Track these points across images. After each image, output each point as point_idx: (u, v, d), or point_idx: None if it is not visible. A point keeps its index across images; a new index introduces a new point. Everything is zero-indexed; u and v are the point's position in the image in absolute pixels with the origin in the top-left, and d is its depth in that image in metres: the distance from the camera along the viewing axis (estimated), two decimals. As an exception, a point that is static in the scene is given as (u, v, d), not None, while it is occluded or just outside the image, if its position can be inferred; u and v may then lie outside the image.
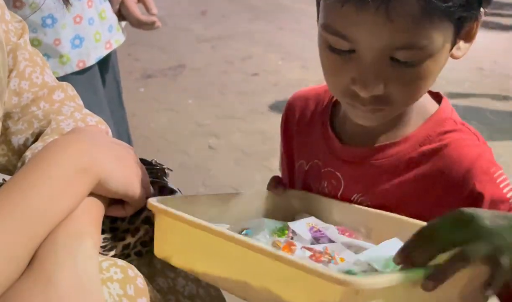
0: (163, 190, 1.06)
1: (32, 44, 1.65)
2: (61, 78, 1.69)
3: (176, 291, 1.00)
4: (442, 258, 0.84)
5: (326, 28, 0.91)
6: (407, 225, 0.94)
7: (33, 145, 1.00)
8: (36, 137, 1.03)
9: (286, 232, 0.99)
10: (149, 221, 0.97)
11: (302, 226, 1.00)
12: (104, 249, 0.93)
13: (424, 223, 0.92)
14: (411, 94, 0.94)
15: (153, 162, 1.12)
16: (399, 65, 0.90)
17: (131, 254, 0.98)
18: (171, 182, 1.10)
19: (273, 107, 3.94)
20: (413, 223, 0.94)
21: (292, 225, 1.00)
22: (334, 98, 1.09)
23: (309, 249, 0.92)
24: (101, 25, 1.76)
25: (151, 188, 1.02)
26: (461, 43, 0.95)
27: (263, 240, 0.96)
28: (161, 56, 4.91)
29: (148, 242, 0.99)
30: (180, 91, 4.26)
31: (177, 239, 0.93)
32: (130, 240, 0.95)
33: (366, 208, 1.01)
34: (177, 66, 4.73)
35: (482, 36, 1.01)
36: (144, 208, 0.98)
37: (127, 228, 0.97)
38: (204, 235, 0.87)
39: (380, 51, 0.89)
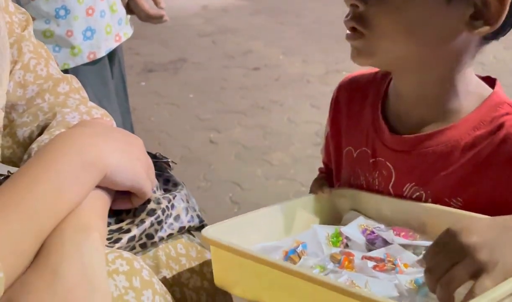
0: (167, 183, 1.07)
1: (44, 36, 1.66)
2: (72, 70, 1.71)
3: (180, 283, 1.00)
4: None
5: None
6: (460, 217, 0.92)
7: (39, 138, 1.00)
8: (41, 130, 1.03)
9: (340, 238, 0.98)
10: (154, 213, 0.98)
11: (354, 230, 0.98)
12: (110, 241, 0.93)
13: (476, 215, 0.90)
14: (392, 27, 0.93)
15: (158, 154, 1.13)
16: None
17: (136, 246, 0.98)
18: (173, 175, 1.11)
19: (274, 102, 3.94)
20: (466, 215, 0.92)
21: (344, 230, 0.98)
22: (386, 85, 1.07)
23: (369, 258, 0.90)
24: (111, 18, 1.78)
25: (156, 180, 1.03)
26: (477, 23, 0.92)
27: (318, 253, 0.94)
28: (162, 50, 4.91)
29: (152, 235, 1.00)
30: (181, 86, 4.26)
31: (236, 270, 0.92)
32: (135, 232, 0.96)
33: (417, 202, 0.98)
34: (178, 61, 4.73)
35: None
36: (149, 200, 0.99)
37: (132, 220, 0.97)
38: (260, 267, 0.86)
39: None
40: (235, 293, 0.95)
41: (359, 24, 0.93)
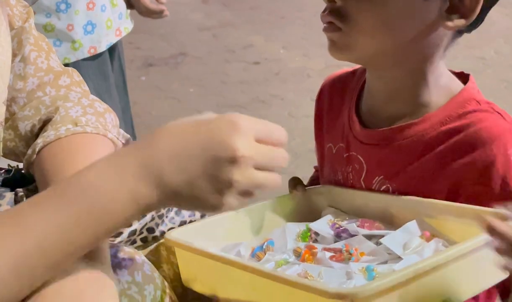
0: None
1: (46, 29, 1.66)
2: (72, 64, 1.71)
3: (181, 278, 1.01)
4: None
5: None
6: (426, 206, 0.95)
7: (45, 134, 1.00)
8: (43, 123, 1.03)
9: (309, 234, 1.00)
10: None
11: (324, 225, 1.00)
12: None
13: (443, 202, 0.93)
14: (369, 21, 0.93)
15: None
16: None
17: (137, 240, 0.99)
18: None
19: (275, 96, 3.94)
20: (432, 203, 0.94)
21: (313, 226, 1.00)
22: (362, 82, 1.08)
23: (329, 249, 0.93)
24: (112, 12, 1.78)
25: None
26: (453, 17, 0.93)
27: (283, 249, 0.96)
28: (162, 44, 4.90)
29: (153, 228, 1.00)
30: (181, 80, 4.26)
31: (196, 268, 0.95)
32: (136, 226, 0.96)
33: (386, 194, 1.00)
34: (179, 55, 4.73)
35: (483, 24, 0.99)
36: None
37: None
38: (214, 263, 0.88)
39: None
40: (196, 290, 0.97)
41: (337, 19, 0.94)
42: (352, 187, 1.07)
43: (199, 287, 0.96)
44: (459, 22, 0.93)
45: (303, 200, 1.10)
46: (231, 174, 0.75)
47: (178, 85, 4.16)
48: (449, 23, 0.93)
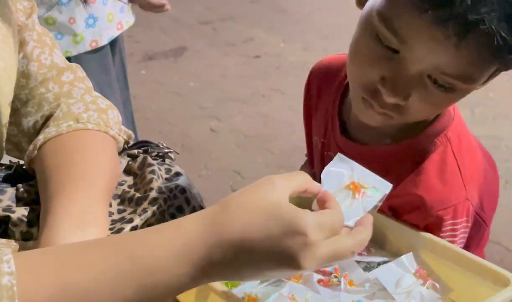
0: (169, 172, 1.07)
1: (47, 22, 1.66)
2: (74, 58, 1.71)
3: None
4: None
5: (384, 19, 0.86)
6: (424, 241, 0.93)
7: (46, 130, 1.00)
8: (46, 119, 1.03)
9: None
10: (156, 202, 0.98)
11: None
12: (112, 231, 0.94)
13: (444, 242, 0.92)
14: (427, 113, 0.93)
15: (160, 144, 1.13)
16: (433, 85, 0.87)
17: None
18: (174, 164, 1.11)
19: (275, 90, 3.94)
20: (432, 241, 0.92)
21: None
22: (346, 82, 1.05)
23: (317, 270, 0.90)
24: (113, 6, 1.78)
25: (158, 170, 1.03)
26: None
27: None
28: (162, 38, 4.90)
29: (155, 224, 1.00)
30: (181, 74, 4.25)
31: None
32: (137, 222, 0.96)
33: (385, 216, 0.98)
34: (179, 48, 4.72)
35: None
36: (151, 188, 0.99)
37: (135, 210, 0.98)
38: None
39: (427, 68, 0.86)
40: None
41: (393, 112, 0.92)
42: None
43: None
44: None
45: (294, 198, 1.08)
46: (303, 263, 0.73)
47: (178, 79, 4.16)
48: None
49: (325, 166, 1.05)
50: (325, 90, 1.10)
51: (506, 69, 0.89)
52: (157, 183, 1.01)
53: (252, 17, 5.38)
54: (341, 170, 0.85)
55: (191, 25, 5.23)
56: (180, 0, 5.73)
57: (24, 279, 0.67)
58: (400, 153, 0.98)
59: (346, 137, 1.03)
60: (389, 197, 0.96)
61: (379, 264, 0.92)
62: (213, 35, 5.03)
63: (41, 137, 0.99)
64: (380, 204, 0.93)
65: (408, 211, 0.96)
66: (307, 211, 0.73)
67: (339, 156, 0.88)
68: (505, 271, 0.85)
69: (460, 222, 0.96)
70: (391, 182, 0.94)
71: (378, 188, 0.85)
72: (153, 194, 0.99)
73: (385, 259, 0.93)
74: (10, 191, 0.99)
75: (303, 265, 0.71)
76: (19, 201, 0.98)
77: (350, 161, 0.87)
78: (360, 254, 0.94)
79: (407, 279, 0.89)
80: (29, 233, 0.92)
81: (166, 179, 1.05)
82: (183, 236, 0.72)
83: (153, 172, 1.03)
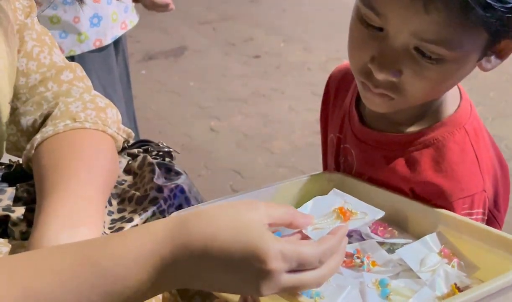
0: (169, 172, 1.07)
1: (52, 21, 1.67)
2: (78, 56, 1.71)
3: None
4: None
5: (364, 0, 0.90)
6: (445, 219, 0.92)
7: (43, 129, 1.00)
8: (44, 118, 1.03)
9: None
10: (156, 202, 0.98)
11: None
12: (112, 230, 0.94)
13: (465, 219, 0.91)
14: (424, 91, 0.93)
15: (160, 143, 1.13)
16: (422, 57, 0.88)
17: None
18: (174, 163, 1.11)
19: (275, 89, 3.94)
20: (453, 218, 0.92)
21: None
22: None
23: None
24: (118, 5, 1.78)
25: (157, 169, 1.03)
26: (492, 58, 0.94)
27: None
28: (162, 38, 4.90)
29: None
30: (181, 73, 4.26)
31: None
32: (137, 221, 0.96)
33: (403, 196, 0.97)
34: (179, 48, 4.73)
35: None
36: (152, 188, 0.99)
37: (135, 209, 0.98)
38: None
39: (407, 38, 0.88)
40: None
41: (390, 91, 0.93)
42: None
43: None
44: (496, 62, 0.94)
45: (314, 186, 1.06)
46: (262, 287, 0.73)
47: (178, 79, 4.16)
48: (487, 66, 0.94)
49: (339, 159, 1.07)
50: (343, 91, 1.11)
51: (498, 39, 0.90)
52: (157, 182, 1.00)
53: (252, 17, 5.38)
54: (333, 199, 0.87)
55: (191, 25, 5.23)
56: (180, 0, 5.73)
57: None
58: (418, 141, 0.98)
59: (362, 125, 1.04)
60: (410, 182, 0.97)
61: (402, 245, 0.91)
62: (213, 35, 5.04)
63: (38, 137, 0.99)
64: (367, 227, 0.93)
65: (428, 200, 0.96)
66: (277, 238, 0.72)
67: (334, 191, 0.89)
68: None
69: (476, 212, 0.96)
70: (410, 170, 0.95)
71: (368, 213, 0.85)
72: (153, 193, 0.99)
73: (409, 241, 0.91)
74: (10, 191, 0.99)
75: (261, 291, 0.71)
76: (19, 200, 0.98)
77: (345, 194, 0.88)
78: (383, 236, 0.94)
79: (432, 258, 0.88)
80: (28, 233, 0.91)
81: (166, 178, 1.05)
82: (149, 240, 0.72)
83: (153, 171, 1.03)
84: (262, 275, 0.71)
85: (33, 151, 0.99)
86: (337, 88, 1.13)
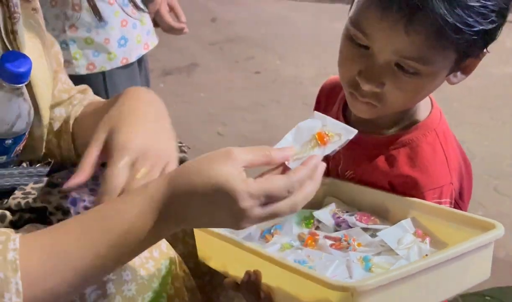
0: (183, 162, 1.06)
1: (86, 42, 1.69)
2: (108, 72, 1.74)
3: (194, 255, 1.00)
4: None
5: (353, 21, 0.90)
6: (419, 206, 0.93)
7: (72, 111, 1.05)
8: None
9: (312, 221, 0.97)
10: None
11: (326, 214, 0.98)
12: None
13: (434, 205, 0.92)
14: (403, 100, 0.93)
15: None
16: (402, 72, 0.89)
17: None
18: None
19: (272, 100, 3.94)
20: (424, 204, 0.92)
21: (317, 214, 0.98)
22: None
23: (329, 237, 0.91)
24: (141, 29, 1.78)
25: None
26: (458, 73, 0.94)
27: (289, 233, 0.94)
28: (178, 56, 4.90)
29: None
30: (193, 86, 4.26)
31: (210, 248, 0.94)
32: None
33: (383, 192, 0.98)
34: (191, 65, 4.73)
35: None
36: None
37: None
38: (226, 244, 0.87)
39: (390, 55, 0.88)
40: (210, 266, 0.96)
41: (375, 101, 0.93)
42: (330, 174, 1.06)
43: (213, 263, 0.94)
44: (461, 77, 0.95)
45: None
46: (239, 222, 0.74)
47: (191, 91, 4.16)
48: (454, 80, 0.95)
49: (329, 160, 1.06)
50: (332, 100, 1.12)
51: (465, 58, 0.90)
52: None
53: (252, 39, 5.38)
54: (314, 123, 0.85)
55: (202, 45, 5.23)
56: (192, 25, 5.71)
57: (23, 251, 0.70)
58: (396, 142, 0.99)
59: None
60: (388, 176, 0.96)
61: (381, 230, 0.92)
62: (220, 54, 5.03)
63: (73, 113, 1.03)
64: (353, 217, 0.93)
65: (403, 191, 0.96)
66: (244, 180, 0.73)
67: (316, 113, 0.87)
68: (491, 220, 0.84)
69: (444, 201, 0.97)
70: (389, 166, 0.95)
71: (342, 134, 0.84)
72: None
73: (388, 226, 0.92)
74: (46, 180, 0.98)
75: (240, 225, 0.73)
76: (55, 186, 0.96)
77: (325, 116, 0.86)
78: (366, 223, 0.94)
79: (407, 238, 0.89)
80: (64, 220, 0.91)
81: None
82: (148, 194, 0.74)
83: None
84: (237, 213, 0.72)
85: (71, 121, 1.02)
86: (327, 97, 1.13)
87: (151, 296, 0.86)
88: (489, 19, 0.84)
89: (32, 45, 0.95)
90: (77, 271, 0.72)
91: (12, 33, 0.91)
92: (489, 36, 0.88)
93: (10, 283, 0.67)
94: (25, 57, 0.87)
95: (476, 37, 0.84)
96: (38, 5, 0.98)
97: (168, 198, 0.73)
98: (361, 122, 1.02)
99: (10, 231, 0.79)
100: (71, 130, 1.02)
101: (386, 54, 0.88)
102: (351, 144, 1.01)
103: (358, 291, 0.70)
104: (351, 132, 0.84)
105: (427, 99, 1.01)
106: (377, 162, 0.99)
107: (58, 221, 0.93)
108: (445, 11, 0.81)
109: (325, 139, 0.83)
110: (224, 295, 1.06)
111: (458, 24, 0.82)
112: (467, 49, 0.87)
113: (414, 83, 0.90)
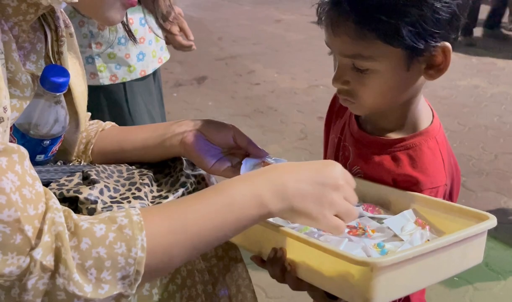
0: (194, 165, 1.06)
1: (109, 57, 1.68)
2: (128, 83, 1.75)
3: None
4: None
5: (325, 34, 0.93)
6: (419, 199, 0.91)
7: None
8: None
9: None
10: (185, 185, 0.96)
11: None
12: (154, 204, 0.93)
13: (433, 198, 0.90)
14: (373, 95, 0.92)
15: None
16: (359, 71, 0.89)
17: None
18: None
19: (270, 108, 3.95)
20: (424, 198, 0.91)
21: None
22: None
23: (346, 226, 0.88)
24: (156, 45, 1.79)
25: (185, 162, 1.03)
26: (432, 72, 0.90)
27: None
28: (189, 70, 4.91)
29: None
30: (202, 96, 4.26)
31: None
32: (171, 198, 0.94)
33: (387, 186, 0.96)
34: (200, 77, 4.74)
35: None
36: (182, 175, 0.98)
37: (169, 190, 0.96)
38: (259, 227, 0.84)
39: (341, 57, 0.89)
40: (235, 242, 0.94)
41: (350, 97, 0.93)
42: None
43: (237, 240, 0.92)
44: (437, 74, 0.91)
45: None
46: (332, 196, 0.78)
47: (200, 100, 4.17)
48: (429, 78, 0.92)
49: (338, 153, 1.06)
50: (344, 106, 1.11)
51: (416, 53, 0.87)
52: (186, 171, 1.00)
53: (254, 56, 5.39)
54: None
55: (209, 61, 5.24)
56: (201, 43, 5.74)
57: (149, 217, 0.70)
58: (401, 144, 0.98)
59: (360, 129, 1.04)
60: (393, 174, 0.95)
61: (385, 219, 0.91)
62: (225, 68, 5.05)
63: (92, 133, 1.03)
64: (361, 208, 0.94)
65: (405, 188, 0.95)
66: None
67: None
68: (485, 212, 0.83)
69: None
70: (393, 165, 0.95)
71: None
72: (182, 179, 0.97)
73: (390, 216, 0.91)
74: (78, 174, 0.98)
75: (324, 209, 0.79)
76: (85, 178, 0.95)
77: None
78: (373, 213, 0.93)
79: (410, 226, 0.88)
80: (93, 209, 0.89)
81: (191, 169, 1.05)
82: (251, 183, 0.76)
83: (182, 163, 1.02)
84: (330, 188, 0.78)
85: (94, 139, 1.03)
86: (340, 104, 1.12)
87: (168, 276, 0.86)
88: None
89: (72, 64, 0.97)
90: (189, 234, 0.71)
91: (57, 54, 0.92)
92: (414, 28, 0.84)
93: (137, 239, 0.67)
94: (64, 70, 0.88)
95: (384, 18, 0.82)
96: (73, 30, 1.00)
97: (274, 187, 0.76)
98: (370, 124, 1.02)
99: None
100: (90, 150, 1.03)
101: (339, 56, 0.90)
102: (361, 144, 1.01)
103: (377, 267, 0.69)
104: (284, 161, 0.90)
105: (428, 110, 1.00)
106: (383, 161, 0.97)
107: (87, 209, 0.94)
108: (357, 13, 0.84)
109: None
110: (228, 276, 1.05)
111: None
112: (411, 44, 0.84)
113: (372, 79, 0.89)
